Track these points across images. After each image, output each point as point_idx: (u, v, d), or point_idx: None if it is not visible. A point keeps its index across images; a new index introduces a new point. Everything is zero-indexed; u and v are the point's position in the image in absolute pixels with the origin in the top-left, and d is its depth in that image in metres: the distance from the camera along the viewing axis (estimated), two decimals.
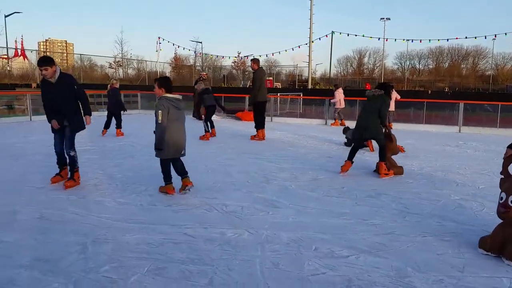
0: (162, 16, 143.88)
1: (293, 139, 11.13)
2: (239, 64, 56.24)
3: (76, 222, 4.30)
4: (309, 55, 35.71)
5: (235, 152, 8.74)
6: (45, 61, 5.32)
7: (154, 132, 5.26)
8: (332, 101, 15.69)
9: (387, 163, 6.74)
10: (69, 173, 5.73)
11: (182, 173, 5.48)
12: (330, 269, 3.32)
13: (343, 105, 15.48)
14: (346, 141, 10.12)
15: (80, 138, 9.88)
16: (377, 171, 6.84)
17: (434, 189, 6.01)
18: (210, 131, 10.79)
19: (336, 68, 73.55)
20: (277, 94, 20.20)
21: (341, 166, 6.90)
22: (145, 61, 48.14)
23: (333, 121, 15.61)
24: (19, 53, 42.04)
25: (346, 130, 10.33)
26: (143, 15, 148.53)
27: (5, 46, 37.10)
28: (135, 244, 3.74)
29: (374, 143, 8.87)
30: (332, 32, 35.45)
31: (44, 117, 5.72)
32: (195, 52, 52.22)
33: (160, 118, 5.12)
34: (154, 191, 5.50)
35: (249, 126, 14.02)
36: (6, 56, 37.38)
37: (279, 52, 39.87)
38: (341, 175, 6.71)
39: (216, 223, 4.32)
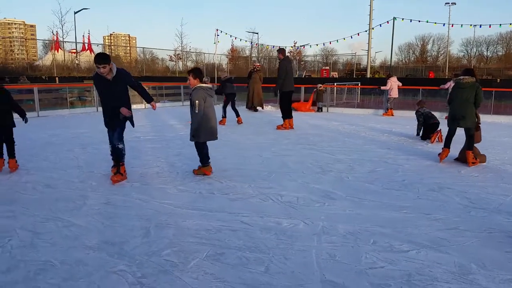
0: (220, 7, 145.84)
1: (350, 130, 10.92)
2: (295, 54, 55.66)
3: (139, 207, 4.52)
4: (368, 43, 34.66)
5: (290, 143, 8.72)
6: (104, 58, 5.18)
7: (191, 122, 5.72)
8: (382, 88, 15.27)
9: (474, 152, 6.69)
10: (116, 167, 5.66)
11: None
12: (389, 263, 3.25)
13: (396, 94, 14.94)
14: (417, 118, 9.67)
15: (143, 128, 10.36)
16: (461, 160, 6.81)
17: (502, 183, 5.66)
18: (226, 117, 11.66)
19: (397, 56, 70.62)
20: (333, 84, 19.81)
21: (439, 154, 6.94)
22: (203, 53, 49.24)
23: (386, 111, 15.16)
24: (86, 47, 44.65)
25: (421, 103, 9.92)
26: (201, 7, 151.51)
27: (74, 41, 39.50)
28: (195, 229, 3.87)
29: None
30: (394, 18, 33.87)
31: None
32: (251, 43, 52.46)
33: (198, 108, 5.55)
34: (212, 179, 5.65)
35: (305, 117, 13.96)
36: (75, 51, 39.82)
37: (337, 40, 38.76)
38: (402, 169, 6.50)
39: (271, 213, 4.36)
